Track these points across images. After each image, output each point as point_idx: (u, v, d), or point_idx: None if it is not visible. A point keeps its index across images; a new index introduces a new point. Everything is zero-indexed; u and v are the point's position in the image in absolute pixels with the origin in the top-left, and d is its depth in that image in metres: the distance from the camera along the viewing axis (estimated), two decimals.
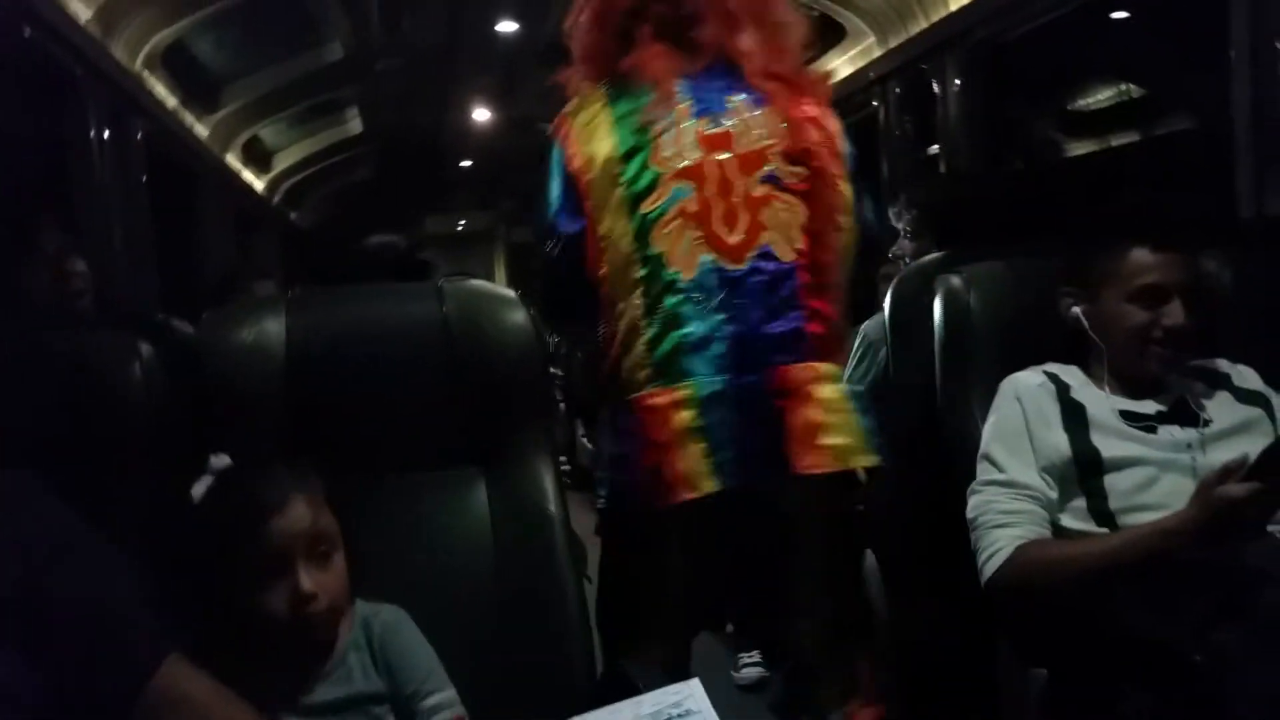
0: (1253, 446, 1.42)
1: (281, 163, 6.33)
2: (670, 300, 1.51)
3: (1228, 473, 1.26)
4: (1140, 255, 1.50)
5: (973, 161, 3.38)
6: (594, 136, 1.57)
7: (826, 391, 1.53)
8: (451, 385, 1.40)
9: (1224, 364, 1.60)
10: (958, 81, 3.36)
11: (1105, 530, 1.44)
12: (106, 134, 3.14)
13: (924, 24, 3.46)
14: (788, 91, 1.60)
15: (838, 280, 1.60)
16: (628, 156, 1.54)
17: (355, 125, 6.22)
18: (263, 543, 1.08)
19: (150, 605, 1.03)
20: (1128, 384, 1.54)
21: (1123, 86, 5.00)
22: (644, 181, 1.53)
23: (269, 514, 1.09)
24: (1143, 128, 5.12)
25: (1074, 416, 1.50)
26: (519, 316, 1.43)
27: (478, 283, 1.49)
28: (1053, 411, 1.51)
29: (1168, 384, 1.53)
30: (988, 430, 1.55)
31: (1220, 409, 1.52)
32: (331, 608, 1.13)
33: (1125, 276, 1.50)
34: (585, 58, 1.69)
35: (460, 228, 11.45)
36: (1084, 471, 1.47)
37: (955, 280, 1.72)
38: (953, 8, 3.29)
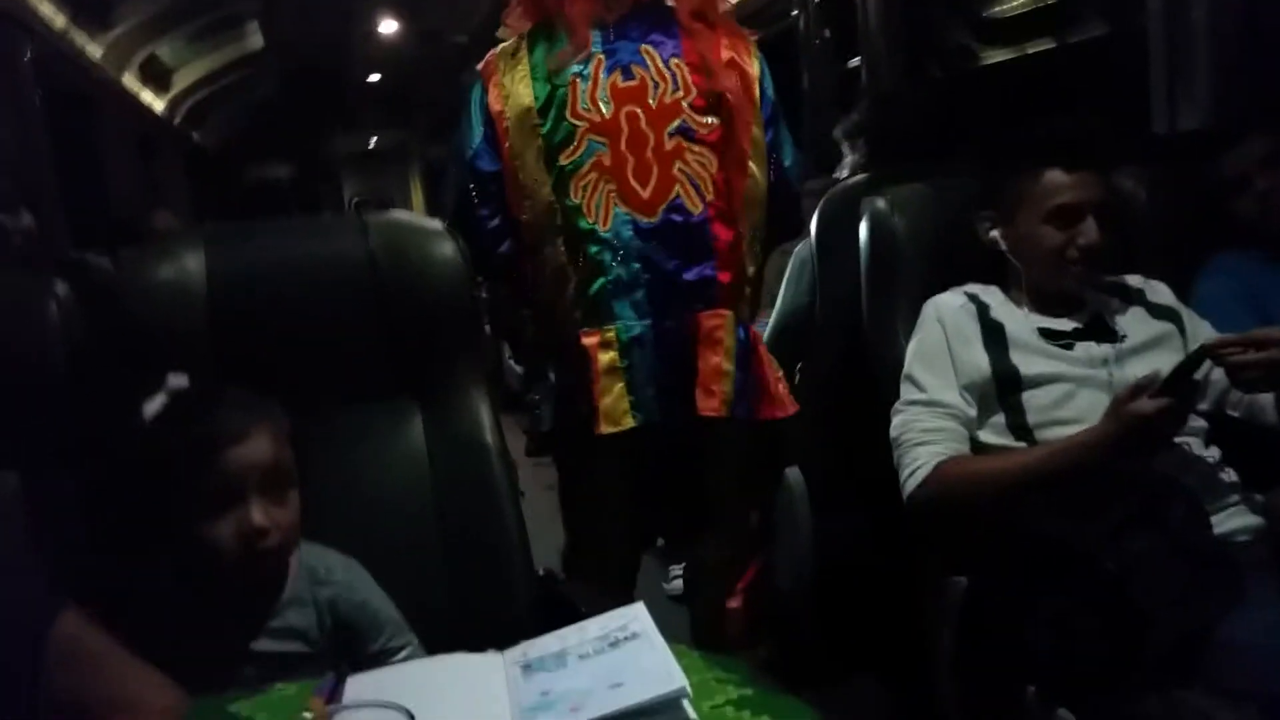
0: (1165, 361, 1.50)
1: (181, 81, 6.05)
2: (592, 249, 1.59)
3: (1140, 389, 1.32)
4: (1053, 176, 1.54)
5: (891, 72, 3.37)
6: (515, 83, 1.60)
7: (727, 341, 1.62)
8: (381, 319, 1.38)
9: (1137, 280, 1.66)
10: None
11: (1023, 445, 1.50)
12: None
13: None
14: (709, 35, 1.62)
15: (750, 228, 1.66)
16: (545, 107, 1.58)
17: (256, 40, 5.97)
18: (219, 469, 1.05)
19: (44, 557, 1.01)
20: (1046, 302, 1.59)
21: None
22: (561, 134, 1.58)
23: (230, 440, 1.06)
24: (1058, 34, 5.15)
25: (994, 335, 1.55)
26: (447, 249, 1.41)
27: (403, 215, 1.47)
28: (973, 331, 1.56)
29: (1084, 301, 1.59)
30: (910, 351, 1.60)
31: (1135, 324, 1.58)
32: (283, 545, 1.11)
33: (1039, 198, 1.54)
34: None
35: (372, 145, 11.12)
36: (1003, 388, 1.52)
37: (880, 202, 1.74)
38: None
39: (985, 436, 1.54)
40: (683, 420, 1.60)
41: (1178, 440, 1.42)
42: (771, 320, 2.40)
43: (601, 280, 1.59)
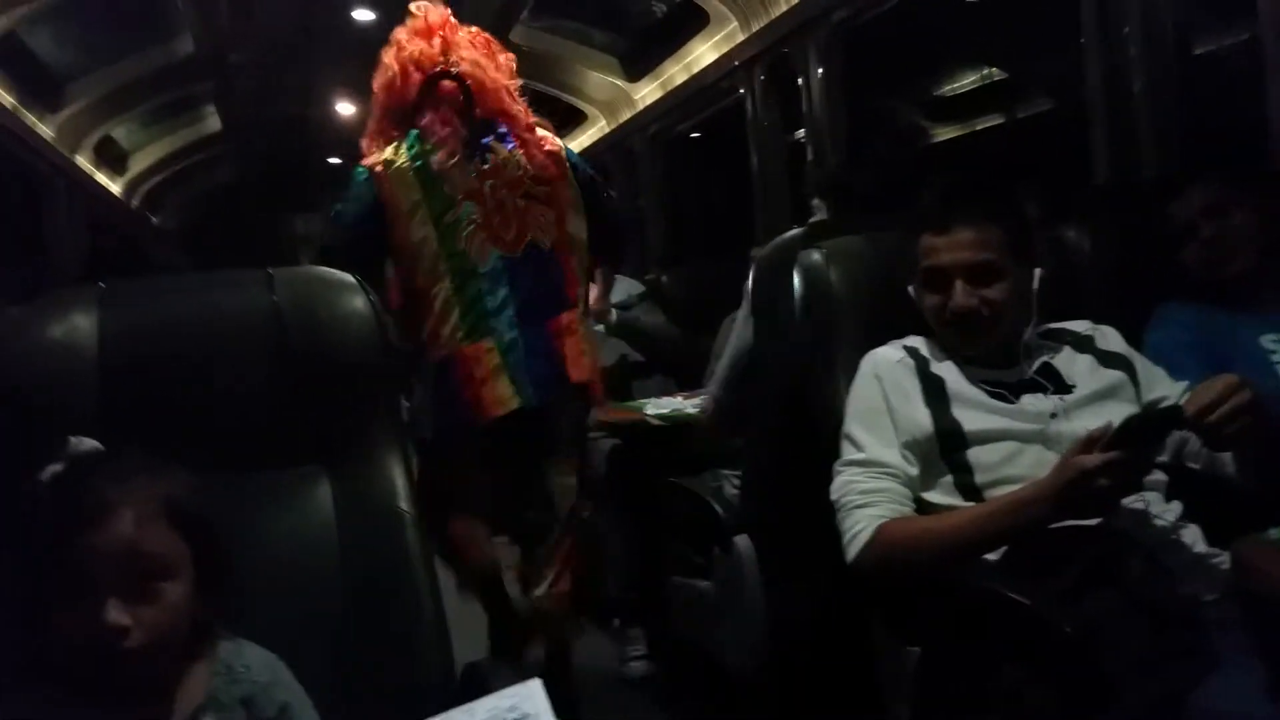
0: (1117, 412, 1.44)
1: (138, 164, 6.03)
2: (473, 283, 2.17)
3: (1090, 443, 1.26)
4: (925, 240, 1.52)
5: (835, 147, 3.40)
6: (402, 174, 2.16)
7: (582, 330, 2.26)
8: (287, 378, 1.29)
9: (1086, 326, 1.61)
10: (819, 68, 3.37)
11: (971, 505, 1.44)
12: None
13: (784, 6, 3.46)
14: (530, 136, 2.27)
15: (581, 255, 2.31)
16: (427, 187, 2.16)
17: (213, 122, 5.95)
18: (74, 555, 0.92)
19: None
20: (983, 356, 1.53)
21: (985, 71, 5.14)
22: (442, 202, 2.16)
23: (86, 521, 0.93)
24: (1006, 111, 5.27)
25: (934, 390, 1.50)
26: (358, 302, 1.34)
27: (312, 269, 1.40)
28: (913, 386, 1.50)
29: (1029, 350, 1.54)
30: (848, 408, 1.54)
31: (1083, 374, 1.53)
32: (153, 645, 0.94)
33: (918, 262, 1.54)
34: (390, 111, 2.26)
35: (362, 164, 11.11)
36: (947, 446, 1.46)
37: (815, 255, 1.70)
38: None
39: (934, 497, 1.47)
40: (556, 396, 2.19)
41: (1133, 495, 1.35)
42: (716, 375, 2.35)
43: (479, 306, 2.16)
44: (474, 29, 2.35)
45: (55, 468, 1.00)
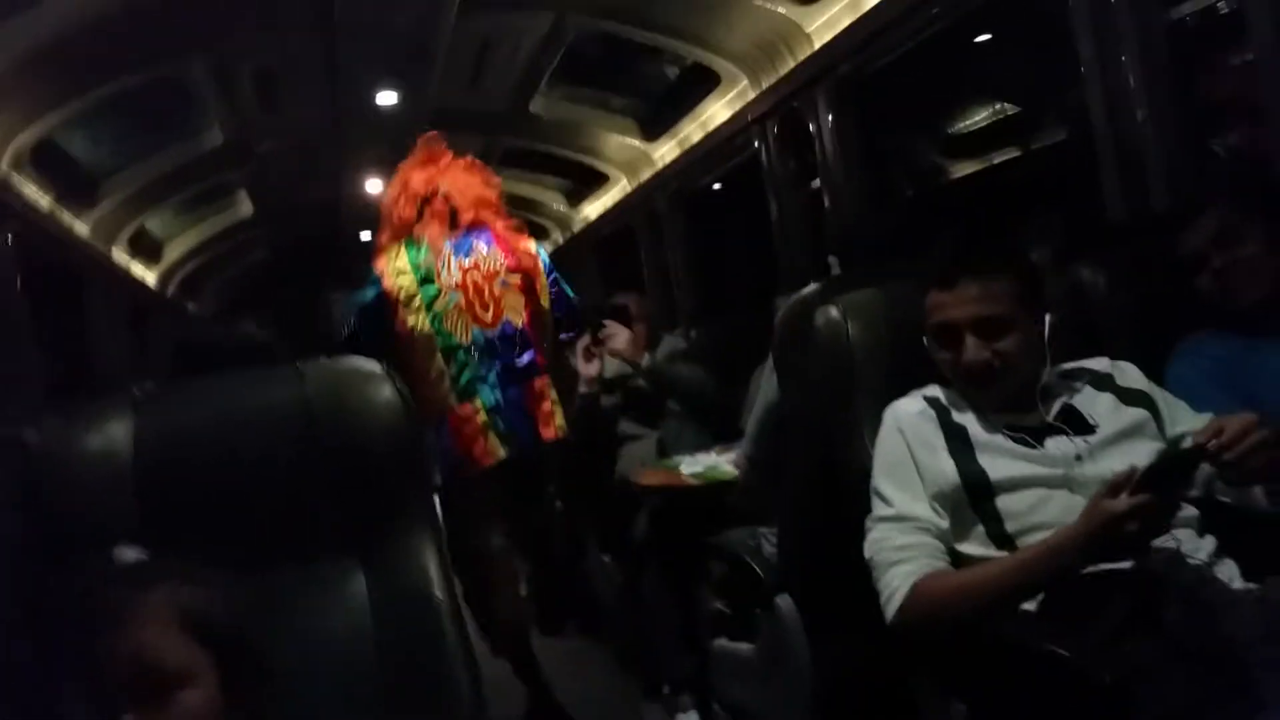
0: (1142, 450, 1.43)
1: (173, 253, 6.17)
2: (460, 355, 2.67)
3: (1117, 486, 1.25)
4: (932, 297, 1.54)
5: (853, 194, 3.42)
6: (400, 273, 2.69)
7: (551, 395, 2.75)
8: (318, 472, 1.32)
9: (1104, 364, 1.61)
10: (829, 117, 3.40)
11: (1005, 554, 1.43)
12: None
13: (791, 64, 3.51)
14: (508, 236, 2.82)
15: (546, 332, 2.82)
16: (422, 282, 2.68)
17: (246, 208, 6.09)
18: (98, 668, 0.95)
19: None
20: (1001, 402, 1.53)
21: (997, 106, 5.16)
22: (432, 293, 2.67)
23: (104, 633, 0.96)
24: (1021, 144, 5.27)
25: (958, 440, 1.49)
26: (386, 391, 1.37)
27: (340, 360, 1.43)
28: (935, 437, 1.50)
29: (1047, 393, 1.53)
30: (875, 463, 1.54)
31: (1105, 414, 1.52)
32: None
33: (928, 317, 1.55)
34: (394, 226, 2.80)
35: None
36: (975, 495, 1.45)
37: (833, 310, 1.71)
38: (816, 45, 3.36)
39: (968, 549, 1.46)
40: (532, 449, 2.70)
41: (1168, 540, 1.34)
42: (748, 431, 2.35)
43: (466, 374, 2.67)
44: (467, 158, 2.95)
45: (91, 577, 1.03)
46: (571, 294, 2.96)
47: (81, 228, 4.44)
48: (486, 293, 2.70)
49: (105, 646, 0.96)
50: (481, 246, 2.75)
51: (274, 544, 1.31)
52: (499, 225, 2.83)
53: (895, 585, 1.42)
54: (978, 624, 1.37)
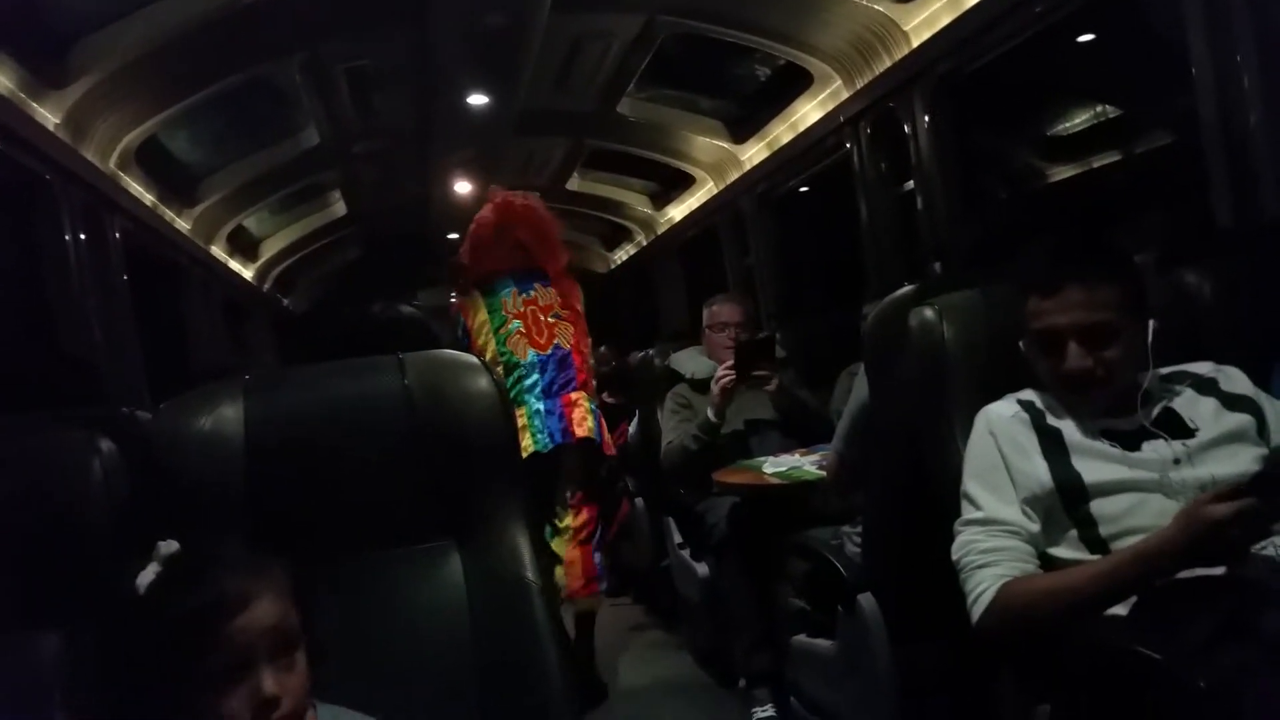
0: (1244, 456, 1.40)
1: (268, 250, 6.36)
2: (517, 370, 3.24)
3: (1219, 496, 1.22)
4: (1033, 302, 1.50)
5: (948, 195, 3.37)
6: (475, 309, 3.34)
7: (585, 404, 3.28)
8: (418, 457, 1.36)
9: (1208, 368, 1.56)
10: (925, 117, 3.36)
11: (1097, 558, 1.40)
12: (82, 235, 3.15)
13: (887, 62, 3.47)
14: (562, 279, 3.43)
15: (585, 356, 3.39)
16: (490, 311, 3.31)
17: (339, 208, 6.25)
18: (223, 642, 1.01)
19: None
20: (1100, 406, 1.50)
21: (1098, 108, 5.02)
22: (498, 321, 3.29)
23: (231, 611, 1.02)
24: (1123, 147, 5.13)
25: (1052, 443, 1.47)
26: (482, 381, 1.40)
27: (439, 351, 1.47)
28: (1029, 440, 1.48)
29: (1148, 397, 1.50)
30: (966, 466, 1.52)
31: (1208, 418, 1.48)
32: (294, 712, 1.04)
33: (1027, 323, 1.52)
34: (471, 265, 3.42)
35: (453, 299, 11.50)
36: (1069, 499, 1.43)
37: (928, 312, 1.69)
38: (914, 44, 3.31)
39: (1061, 553, 1.44)
40: (565, 446, 3.19)
41: (1261, 547, 1.29)
42: (839, 430, 2.34)
43: (521, 385, 3.23)
44: (533, 201, 3.46)
45: (153, 569, 1.09)
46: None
47: (183, 224, 4.61)
48: (542, 322, 3.31)
49: (237, 622, 1.02)
50: (539, 286, 3.37)
51: (375, 525, 1.35)
52: (557, 269, 3.44)
53: (983, 588, 1.41)
54: (1065, 628, 1.34)
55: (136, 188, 3.87)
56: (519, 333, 3.25)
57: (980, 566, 1.42)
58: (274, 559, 1.11)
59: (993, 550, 1.42)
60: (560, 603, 3.11)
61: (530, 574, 1.34)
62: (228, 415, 1.33)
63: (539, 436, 3.15)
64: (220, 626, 1.01)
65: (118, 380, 3.17)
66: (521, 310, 3.29)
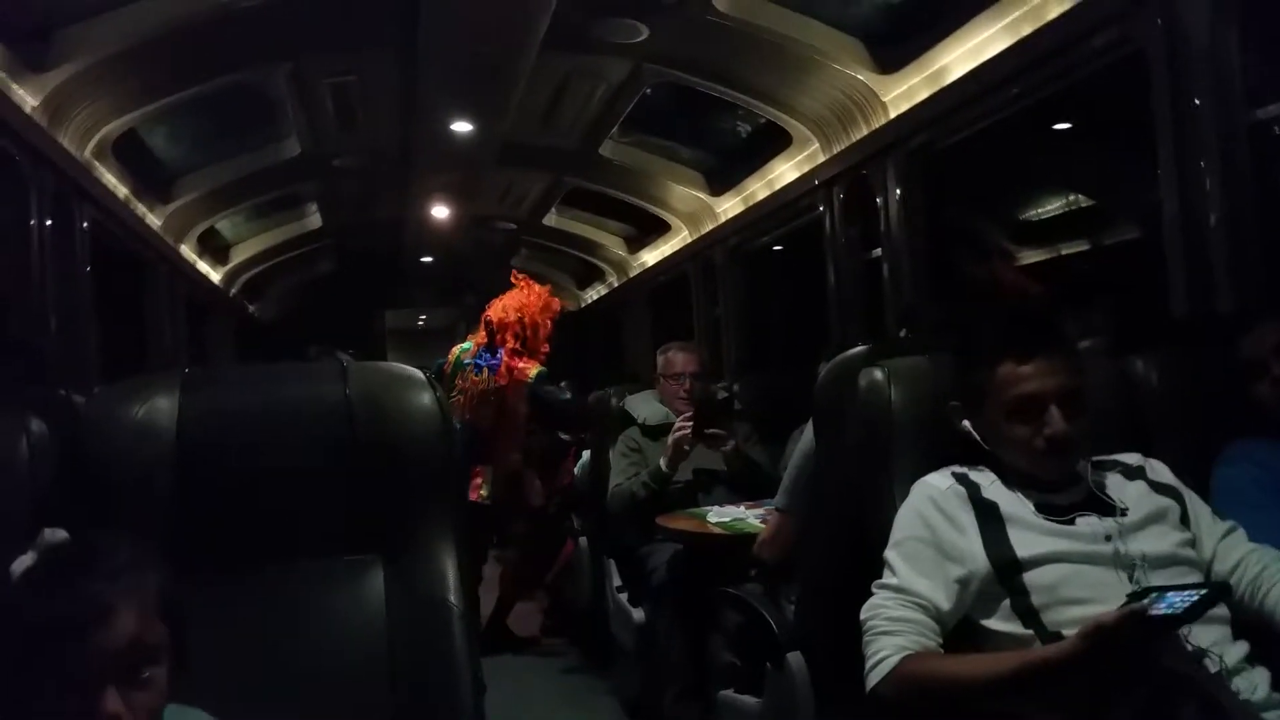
0: (1169, 536, 1.42)
1: (239, 255, 6.32)
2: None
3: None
4: (1008, 369, 1.50)
5: (914, 266, 3.42)
6: (452, 357, 4.44)
7: (484, 475, 4.24)
8: (352, 468, 1.35)
9: (1136, 458, 1.60)
10: (897, 188, 3.42)
11: (1030, 632, 1.40)
12: (48, 221, 3.11)
13: (864, 130, 3.54)
14: (514, 359, 4.29)
15: (515, 429, 4.32)
16: (455, 368, 4.38)
17: (315, 220, 6.23)
18: (72, 656, 0.94)
19: None
20: (1036, 480, 1.52)
21: (1070, 196, 5.13)
22: (451, 384, 4.32)
23: (84, 619, 0.95)
24: (1092, 236, 5.23)
25: (988, 517, 1.48)
26: (425, 398, 1.39)
27: (385, 363, 1.46)
28: (964, 514, 1.49)
29: (1082, 475, 1.52)
30: (892, 532, 1.53)
31: (1134, 498, 1.51)
32: None
33: (998, 391, 1.51)
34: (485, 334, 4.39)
35: (421, 323, 11.44)
36: (1003, 572, 1.44)
37: (876, 373, 1.70)
38: (892, 115, 3.38)
39: (992, 624, 1.44)
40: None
41: (1182, 631, 1.31)
42: (782, 486, 2.34)
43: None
44: (528, 290, 4.43)
45: (27, 560, 1.03)
46: (560, 404, 4.37)
47: (154, 220, 4.57)
48: (474, 398, 4.27)
49: (88, 634, 0.95)
50: (488, 369, 4.28)
51: (302, 531, 1.34)
52: (510, 351, 4.28)
53: (882, 655, 1.41)
54: (957, 712, 1.35)
55: (110, 179, 3.84)
56: (457, 403, 4.19)
57: (884, 633, 1.43)
58: (148, 560, 1.04)
59: (899, 620, 1.43)
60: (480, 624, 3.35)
61: (453, 597, 1.33)
62: (161, 406, 1.32)
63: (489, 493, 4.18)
64: (68, 634, 0.95)
65: (67, 369, 3.12)
66: (466, 384, 4.27)
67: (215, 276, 6.06)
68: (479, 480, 4.16)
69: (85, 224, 3.47)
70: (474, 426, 4.18)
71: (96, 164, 3.65)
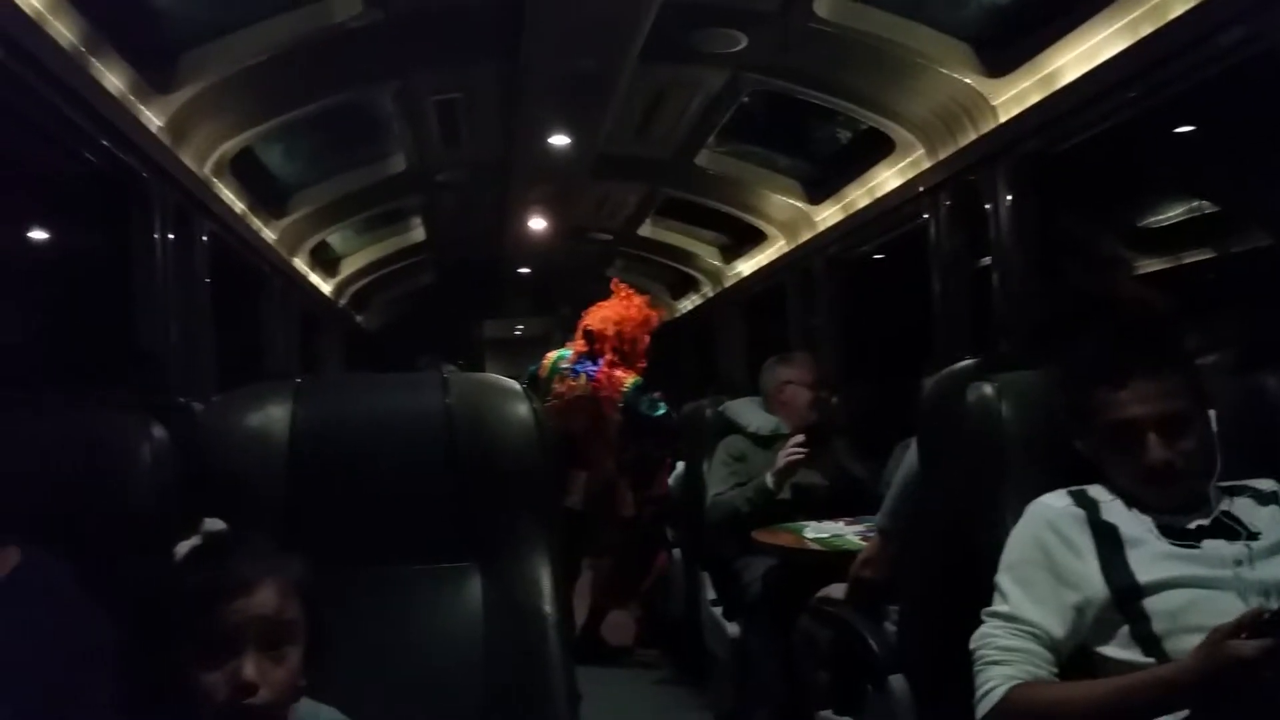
0: None
1: (348, 267, 6.51)
2: None
3: (1240, 626, 1.17)
4: (1105, 393, 1.45)
5: (1025, 276, 3.31)
6: (546, 363, 4.46)
7: (580, 479, 4.27)
8: (452, 477, 1.37)
9: (1269, 483, 1.51)
10: (1008, 194, 3.31)
11: (1151, 660, 1.34)
12: (171, 235, 3.26)
13: (973, 135, 3.44)
14: (611, 370, 4.29)
15: (608, 435, 4.33)
16: (551, 372, 4.41)
17: (418, 233, 6.39)
18: (218, 619, 1.03)
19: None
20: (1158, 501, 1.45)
21: (1194, 203, 4.90)
22: (547, 388, 4.31)
23: (232, 591, 1.04)
24: (1216, 244, 4.99)
25: (1106, 539, 1.42)
26: (522, 409, 1.41)
27: (483, 375, 1.48)
28: (1081, 537, 1.43)
29: (1208, 497, 1.44)
30: (1004, 556, 1.48)
31: (1267, 523, 1.42)
32: (273, 703, 1.06)
33: (1093, 416, 1.47)
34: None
35: (518, 332, 11.61)
36: (1122, 598, 1.38)
37: (986, 388, 1.65)
38: (1001, 119, 3.28)
39: (1109, 651, 1.39)
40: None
41: None
42: (885, 504, 2.29)
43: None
44: (628, 300, 4.46)
45: (193, 542, 1.13)
46: (654, 417, 4.36)
47: (269, 234, 4.74)
48: (569, 406, 4.26)
49: (233, 604, 1.04)
50: (585, 376, 4.28)
51: (403, 537, 1.36)
52: (608, 362, 4.30)
53: (992, 685, 1.37)
54: None
55: (228, 194, 4.00)
56: (551, 409, 4.10)
57: (993, 663, 1.38)
58: (295, 554, 1.13)
59: (1009, 649, 1.38)
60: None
61: (549, 607, 1.34)
62: (275, 415, 1.36)
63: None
64: (216, 604, 1.04)
65: (187, 377, 3.25)
66: (563, 389, 4.29)
67: (326, 288, 6.25)
68: (572, 486, 4.17)
69: (205, 237, 3.62)
70: (568, 432, 4.15)
71: (215, 181, 3.81)
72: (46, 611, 1.14)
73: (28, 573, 1.16)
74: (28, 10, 2.26)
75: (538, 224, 6.16)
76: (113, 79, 2.80)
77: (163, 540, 1.27)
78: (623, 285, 4.52)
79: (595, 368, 4.27)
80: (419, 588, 1.34)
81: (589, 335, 4.32)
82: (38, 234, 3.96)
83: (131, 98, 2.95)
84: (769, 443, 3.27)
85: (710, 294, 7.04)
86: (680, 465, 4.31)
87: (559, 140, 4.38)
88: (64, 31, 2.46)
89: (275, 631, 1.06)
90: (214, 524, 1.13)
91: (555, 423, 4.05)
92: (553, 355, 4.45)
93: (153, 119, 3.12)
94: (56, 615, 1.13)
